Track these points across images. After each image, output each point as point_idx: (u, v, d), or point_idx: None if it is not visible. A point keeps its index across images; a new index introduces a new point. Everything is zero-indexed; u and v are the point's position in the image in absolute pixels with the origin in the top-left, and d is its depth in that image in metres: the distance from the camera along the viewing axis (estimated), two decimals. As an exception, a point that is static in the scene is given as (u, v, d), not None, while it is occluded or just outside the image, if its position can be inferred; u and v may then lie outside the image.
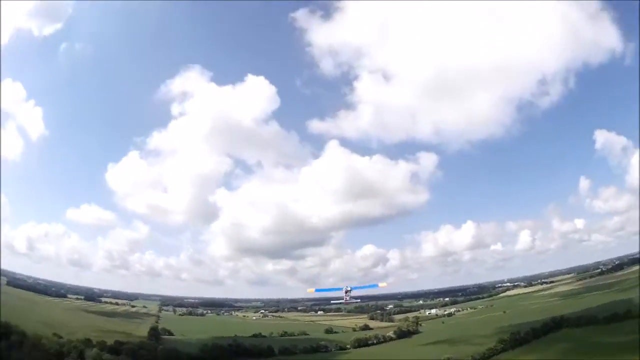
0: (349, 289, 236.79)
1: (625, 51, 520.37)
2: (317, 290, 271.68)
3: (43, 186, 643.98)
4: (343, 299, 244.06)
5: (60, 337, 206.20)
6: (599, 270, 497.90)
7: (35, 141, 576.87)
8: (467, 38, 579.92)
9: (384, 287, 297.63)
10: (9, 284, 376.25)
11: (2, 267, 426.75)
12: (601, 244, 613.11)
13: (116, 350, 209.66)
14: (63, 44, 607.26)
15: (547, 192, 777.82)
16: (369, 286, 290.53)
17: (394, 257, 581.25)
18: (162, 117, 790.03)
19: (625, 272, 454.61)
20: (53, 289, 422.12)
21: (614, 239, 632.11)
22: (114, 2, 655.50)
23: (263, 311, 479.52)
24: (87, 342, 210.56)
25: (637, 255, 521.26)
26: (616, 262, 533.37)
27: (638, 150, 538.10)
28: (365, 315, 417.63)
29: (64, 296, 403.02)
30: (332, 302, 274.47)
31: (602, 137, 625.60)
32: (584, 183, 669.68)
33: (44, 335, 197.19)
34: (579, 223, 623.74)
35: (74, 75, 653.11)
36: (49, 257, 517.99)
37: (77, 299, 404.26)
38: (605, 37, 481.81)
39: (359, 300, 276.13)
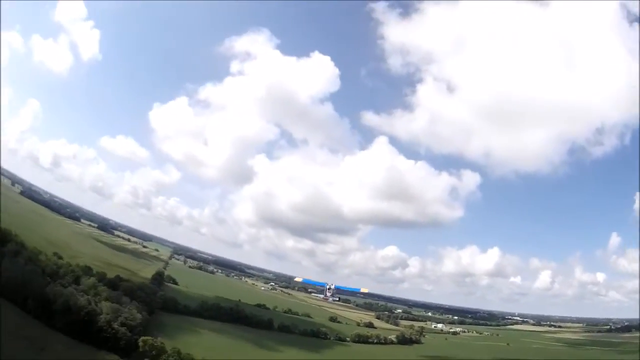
0: (332, 286, 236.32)
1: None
2: (304, 280, 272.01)
3: (83, 108, 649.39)
4: (324, 294, 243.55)
5: (60, 258, 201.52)
6: (608, 327, 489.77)
7: (85, 61, 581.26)
8: (536, 72, 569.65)
9: (365, 292, 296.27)
10: (23, 193, 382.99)
11: (21, 176, 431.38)
12: (616, 302, 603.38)
13: (114, 284, 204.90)
14: None
15: (578, 239, 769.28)
16: (352, 289, 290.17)
17: (414, 264, 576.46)
18: (219, 71, 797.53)
19: (632, 334, 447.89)
20: (68, 209, 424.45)
21: (629, 300, 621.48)
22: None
23: (273, 284, 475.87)
24: (87, 270, 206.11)
25: None
26: (625, 323, 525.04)
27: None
28: (373, 313, 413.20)
29: (77, 219, 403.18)
30: (312, 294, 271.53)
31: None
32: (614, 239, 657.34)
33: (44, 252, 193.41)
34: (600, 277, 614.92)
35: (140, 8, 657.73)
36: (71, 178, 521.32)
37: (90, 225, 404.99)
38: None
39: (338, 299, 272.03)
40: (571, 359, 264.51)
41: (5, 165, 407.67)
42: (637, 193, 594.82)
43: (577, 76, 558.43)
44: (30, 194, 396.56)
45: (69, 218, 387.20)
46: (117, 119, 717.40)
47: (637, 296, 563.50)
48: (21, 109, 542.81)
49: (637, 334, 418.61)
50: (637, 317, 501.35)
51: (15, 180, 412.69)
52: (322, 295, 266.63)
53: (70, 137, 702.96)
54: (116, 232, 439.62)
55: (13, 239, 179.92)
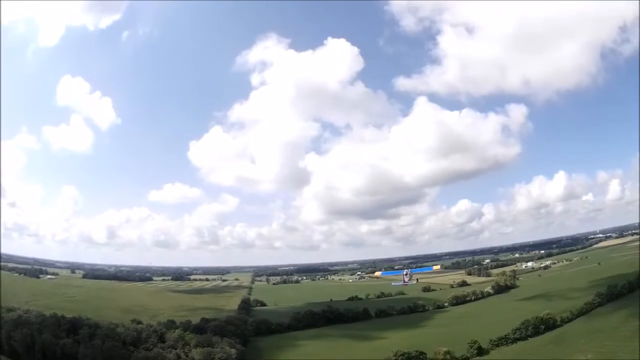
0: (408, 272, 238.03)
1: None
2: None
3: (120, 173, 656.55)
4: (402, 281, 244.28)
5: (139, 323, 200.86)
6: None
7: (106, 130, 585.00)
8: None
9: (437, 270, 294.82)
10: (85, 276, 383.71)
11: (81, 260, 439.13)
12: None
13: (201, 328, 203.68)
14: (125, 33, 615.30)
15: (634, 139, 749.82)
16: (425, 269, 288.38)
17: (488, 211, 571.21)
18: (241, 89, 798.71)
19: None
20: (137, 273, 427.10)
21: None
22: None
23: (359, 273, 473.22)
24: (170, 324, 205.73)
25: None
26: None
27: None
28: (463, 271, 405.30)
29: (149, 279, 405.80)
30: (393, 284, 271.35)
31: None
32: None
33: (120, 323, 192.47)
34: None
35: (141, 61, 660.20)
36: (131, 243, 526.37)
37: (164, 279, 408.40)
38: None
39: (416, 281, 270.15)
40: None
41: (60, 257, 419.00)
42: None
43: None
44: (94, 274, 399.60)
45: (139, 281, 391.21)
46: (158, 171, 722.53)
47: None
48: (57, 199, 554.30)
49: None
50: None
51: (74, 267, 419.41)
52: (401, 282, 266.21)
53: (117, 205, 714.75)
54: (192, 277, 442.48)
55: (85, 323, 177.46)
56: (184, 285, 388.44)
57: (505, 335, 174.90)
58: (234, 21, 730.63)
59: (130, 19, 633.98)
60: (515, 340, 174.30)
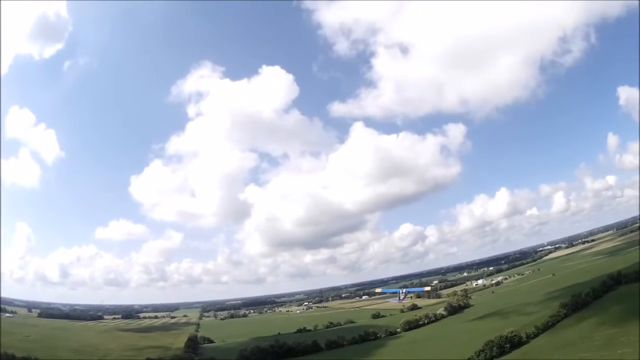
0: (404, 290, 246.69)
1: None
2: (382, 290, 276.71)
3: (67, 209, 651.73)
4: (398, 298, 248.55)
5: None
6: (638, 224, 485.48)
7: (51, 165, 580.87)
8: (483, 3, 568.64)
9: (429, 290, 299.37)
10: (41, 315, 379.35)
11: (38, 298, 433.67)
12: (634, 199, 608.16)
13: None
14: (67, 62, 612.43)
15: (577, 151, 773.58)
16: (418, 289, 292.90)
17: (431, 233, 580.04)
18: (178, 120, 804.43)
19: None
20: (90, 312, 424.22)
21: None
22: (113, 9, 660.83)
23: (307, 303, 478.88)
24: None
25: None
26: None
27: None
28: (411, 294, 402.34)
29: (101, 318, 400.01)
30: (389, 300, 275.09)
31: (625, 93, 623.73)
32: (612, 139, 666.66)
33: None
34: (611, 179, 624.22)
35: (82, 92, 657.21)
36: (83, 282, 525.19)
37: (114, 318, 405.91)
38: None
39: (412, 296, 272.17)
40: (624, 266, 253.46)
41: (18, 295, 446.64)
42: (618, 88, 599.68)
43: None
44: (49, 313, 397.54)
45: (92, 320, 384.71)
46: (103, 207, 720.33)
47: None
48: (12, 236, 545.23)
49: None
50: None
51: (31, 306, 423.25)
52: (396, 300, 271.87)
53: (67, 242, 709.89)
54: (142, 315, 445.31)
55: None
56: (133, 323, 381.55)
57: (469, 359, 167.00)
58: (169, 50, 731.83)
59: (71, 48, 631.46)
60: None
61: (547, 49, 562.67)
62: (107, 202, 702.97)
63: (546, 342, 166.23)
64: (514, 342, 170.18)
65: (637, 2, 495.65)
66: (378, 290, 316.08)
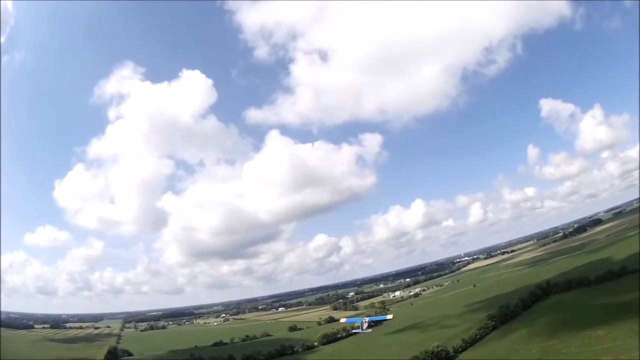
0: (367, 320, 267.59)
1: (575, 16, 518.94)
2: (347, 321, 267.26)
3: None
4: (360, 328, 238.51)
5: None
6: (561, 234, 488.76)
7: None
8: (409, 9, 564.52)
9: (390, 318, 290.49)
10: None
11: None
12: (555, 210, 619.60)
13: None
14: (5, 57, 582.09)
15: (496, 162, 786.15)
16: (381, 318, 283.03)
17: (346, 244, 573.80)
18: (99, 123, 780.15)
19: (589, 233, 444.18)
20: (23, 320, 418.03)
21: (567, 204, 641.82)
22: (51, 6, 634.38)
23: (224, 315, 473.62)
24: None
25: (599, 217, 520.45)
26: (575, 226, 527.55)
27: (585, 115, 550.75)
28: (328, 306, 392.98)
29: (32, 327, 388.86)
30: (353, 331, 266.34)
31: (547, 105, 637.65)
32: (532, 151, 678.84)
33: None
34: (530, 191, 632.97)
35: (14, 89, 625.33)
36: (17, 289, 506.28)
37: (44, 327, 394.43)
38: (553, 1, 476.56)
39: (374, 325, 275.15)
40: (548, 277, 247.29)
41: None
42: (540, 100, 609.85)
43: (451, 2, 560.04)
44: None
45: (24, 329, 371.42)
46: (30, 212, 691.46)
47: (575, 197, 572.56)
48: None
49: (595, 231, 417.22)
50: (584, 216, 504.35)
51: None
52: (359, 330, 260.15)
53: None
54: (68, 325, 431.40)
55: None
56: (60, 333, 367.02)
57: None
58: (94, 48, 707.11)
59: (10, 42, 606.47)
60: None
61: (472, 58, 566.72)
62: (33, 207, 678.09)
63: (476, 356, 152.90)
64: (441, 357, 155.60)
65: (570, 14, 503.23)
66: (343, 320, 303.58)
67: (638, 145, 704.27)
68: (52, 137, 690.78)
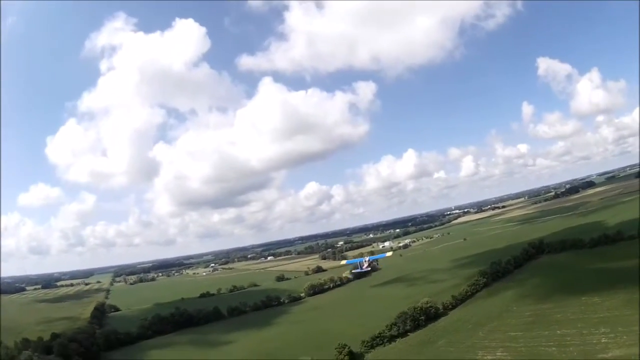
0: (367, 259, 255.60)
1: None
2: (348, 262, 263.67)
3: None
4: (359, 267, 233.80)
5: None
6: (552, 194, 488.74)
7: None
8: None
9: (390, 255, 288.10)
10: None
11: None
12: (547, 169, 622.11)
13: (49, 347, 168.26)
14: None
15: (490, 117, 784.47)
16: (379, 256, 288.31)
17: (337, 193, 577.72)
18: (91, 76, 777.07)
19: (582, 195, 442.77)
20: (16, 285, 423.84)
21: (560, 164, 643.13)
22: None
23: (213, 265, 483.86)
24: (25, 344, 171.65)
25: (592, 179, 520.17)
26: (567, 186, 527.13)
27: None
28: (317, 255, 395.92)
29: (23, 290, 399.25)
30: (353, 271, 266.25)
31: (544, 64, 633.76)
32: (527, 109, 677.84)
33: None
34: (523, 148, 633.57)
35: (6, 49, 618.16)
36: (11, 252, 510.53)
37: (35, 289, 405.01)
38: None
39: (377, 264, 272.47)
40: (540, 235, 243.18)
41: None
42: (538, 59, 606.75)
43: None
44: None
45: (16, 292, 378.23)
46: (22, 171, 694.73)
47: (568, 158, 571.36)
48: None
49: (588, 193, 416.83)
50: (576, 177, 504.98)
51: None
52: (358, 270, 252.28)
53: None
54: (59, 283, 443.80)
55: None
56: (51, 293, 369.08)
57: (380, 334, 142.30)
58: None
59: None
60: (393, 338, 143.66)
61: (470, 11, 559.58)
62: (25, 165, 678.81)
63: (466, 315, 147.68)
64: (430, 314, 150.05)
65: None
66: (343, 262, 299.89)
67: (638, 110, 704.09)
68: (44, 94, 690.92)
